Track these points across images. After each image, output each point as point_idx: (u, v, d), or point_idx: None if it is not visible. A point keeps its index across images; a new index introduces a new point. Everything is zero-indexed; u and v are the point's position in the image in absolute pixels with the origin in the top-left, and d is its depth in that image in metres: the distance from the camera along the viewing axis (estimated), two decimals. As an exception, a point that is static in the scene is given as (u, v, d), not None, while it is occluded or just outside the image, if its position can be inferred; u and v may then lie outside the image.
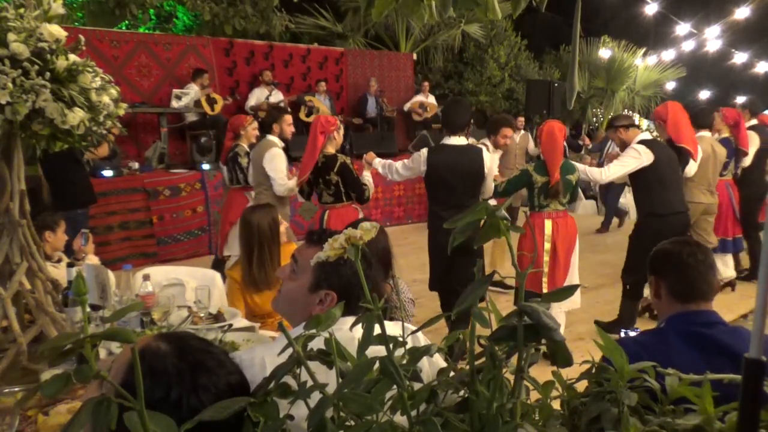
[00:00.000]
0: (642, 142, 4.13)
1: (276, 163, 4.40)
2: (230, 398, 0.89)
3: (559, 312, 3.93)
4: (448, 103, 4.20)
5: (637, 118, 17.37)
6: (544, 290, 3.88)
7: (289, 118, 4.81)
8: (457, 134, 3.75)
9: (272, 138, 4.58)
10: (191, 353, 0.91)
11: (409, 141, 9.52)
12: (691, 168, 4.48)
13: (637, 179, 4.17)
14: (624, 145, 4.26)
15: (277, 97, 8.60)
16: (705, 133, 4.93)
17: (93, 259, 3.23)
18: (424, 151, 3.83)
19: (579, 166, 4.09)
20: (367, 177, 4.17)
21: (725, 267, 5.30)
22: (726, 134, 5.33)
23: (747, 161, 5.50)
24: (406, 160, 3.99)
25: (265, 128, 4.61)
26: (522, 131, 8.79)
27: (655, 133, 5.37)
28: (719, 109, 5.45)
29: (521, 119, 8.91)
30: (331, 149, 4.08)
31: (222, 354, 0.96)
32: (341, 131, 4.21)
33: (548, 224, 3.84)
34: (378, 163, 4.21)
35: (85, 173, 5.31)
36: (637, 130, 4.26)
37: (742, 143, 5.35)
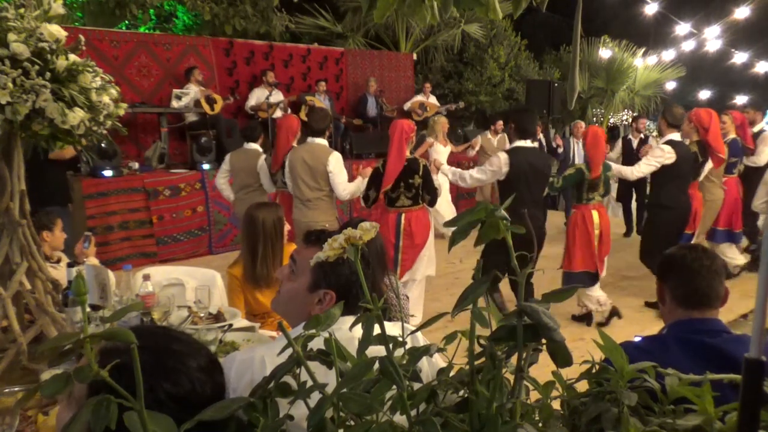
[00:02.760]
0: (668, 142, 4.68)
1: (343, 168, 4.33)
2: (205, 376, 0.90)
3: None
4: (521, 112, 4.55)
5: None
6: (599, 269, 4.54)
7: None
8: (528, 139, 4.21)
9: (325, 142, 4.44)
10: (150, 340, 0.91)
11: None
12: (707, 168, 5.17)
13: (656, 173, 4.75)
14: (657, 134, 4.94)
15: (277, 97, 8.60)
16: None
17: (93, 261, 3.23)
18: (503, 154, 4.16)
19: (612, 165, 4.76)
20: (436, 180, 4.33)
21: (735, 255, 5.92)
22: (733, 135, 5.70)
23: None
24: (481, 166, 4.31)
25: (315, 133, 4.38)
26: (500, 134, 8.90)
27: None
28: (728, 112, 5.89)
29: (500, 123, 9.03)
30: (408, 153, 4.21)
31: (183, 335, 0.96)
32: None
33: (595, 214, 4.46)
34: (447, 169, 4.45)
35: (61, 173, 5.26)
36: (674, 130, 4.75)
37: (749, 142, 5.97)
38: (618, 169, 4.79)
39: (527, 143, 4.21)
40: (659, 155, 4.64)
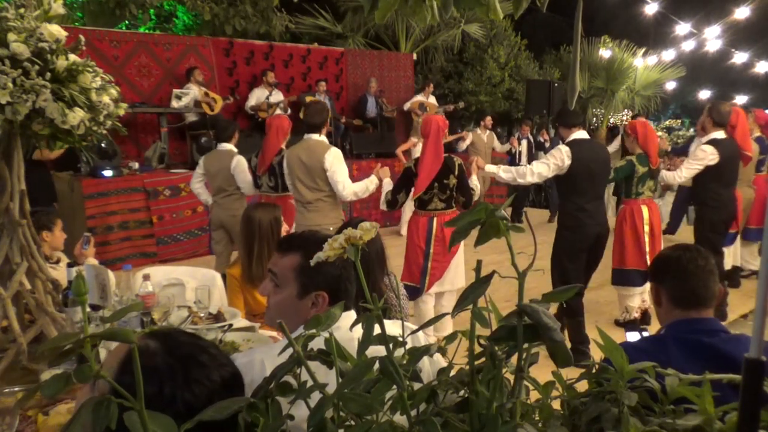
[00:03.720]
0: (711, 141, 4.60)
1: (343, 166, 3.94)
2: (225, 392, 0.90)
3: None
4: (560, 112, 4.49)
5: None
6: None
7: None
8: (581, 128, 4.05)
9: (324, 138, 4.05)
10: (180, 348, 0.92)
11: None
12: None
13: (699, 172, 4.67)
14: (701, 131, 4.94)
15: (277, 97, 8.60)
16: None
17: (92, 262, 3.22)
18: (564, 147, 3.92)
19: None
20: (475, 181, 4.06)
21: (750, 260, 5.89)
22: (758, 133, 5.70)
23: None
24: (543, 160, 4.02)
25: (312, 128, 3.99)
26: (488, 131, 9.06)
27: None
28: (751, 110, 5.87)
29: (489, 119, 9.16)
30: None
31: (212, 347, 0.97)
32: None
33: (645, 209, 4.38)
34: (495, 168, 4.12)
35: (45, 173, 5.12)
36: (719, 129, 4.67)
37: None
38: (662, 174, 4.71)
39: (584, 134, 4.04)
40: (701, 157, 4.56)
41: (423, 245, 3.90)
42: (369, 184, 4.02)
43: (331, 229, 3.81)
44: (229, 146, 4.78)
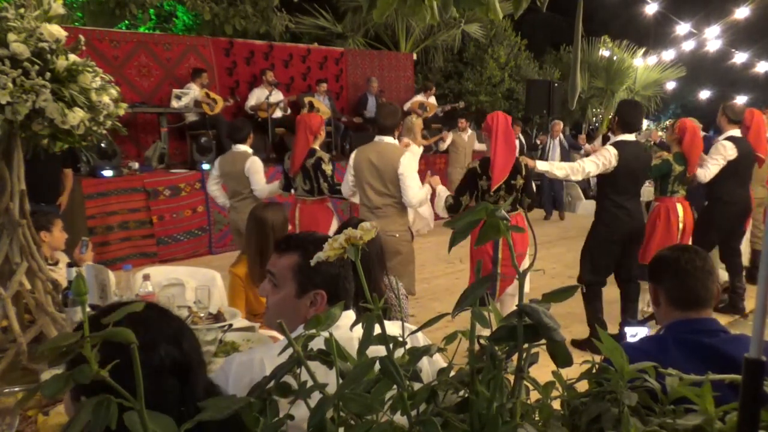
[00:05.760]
0: (729, 138, 4.66)
1: (414, 169, 3.82)
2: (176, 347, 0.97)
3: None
4: (627, 104, 4.39)
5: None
6: None
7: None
8: (632, 133, 4.10)
9: (397, 141, 3.90)
10: (172, 317, 1.03)
11: (409, 141, 9.57)
12: None
13: None
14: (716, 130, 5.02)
15: (277, 97, 8.60)
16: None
17: (91, 263, 3.22)
18: (612, 148, 4.00)
19: None
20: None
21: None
22: None
23: None
24: (593, 158, 4.03)
25: (384, 130, 3.87)
26: (470, 131, 9.11)
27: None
28: (767, 111, 5.88)
29: (463, 121, 9.21)
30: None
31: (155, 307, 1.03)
32: None
33: (679, 207, 4.44)
34: (549, 166, 4.08)
35: (40, 173, 4.82)
36: (735, 126, 4.74)
37: None
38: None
39: (630, 137, 4.08)
40: (722, 152, 4.60)
41: (491, 251, 3.78)
42: (429, 192, 3.87)
43: (397, 236, 3.75)
44: (244, 147, 4.64)
